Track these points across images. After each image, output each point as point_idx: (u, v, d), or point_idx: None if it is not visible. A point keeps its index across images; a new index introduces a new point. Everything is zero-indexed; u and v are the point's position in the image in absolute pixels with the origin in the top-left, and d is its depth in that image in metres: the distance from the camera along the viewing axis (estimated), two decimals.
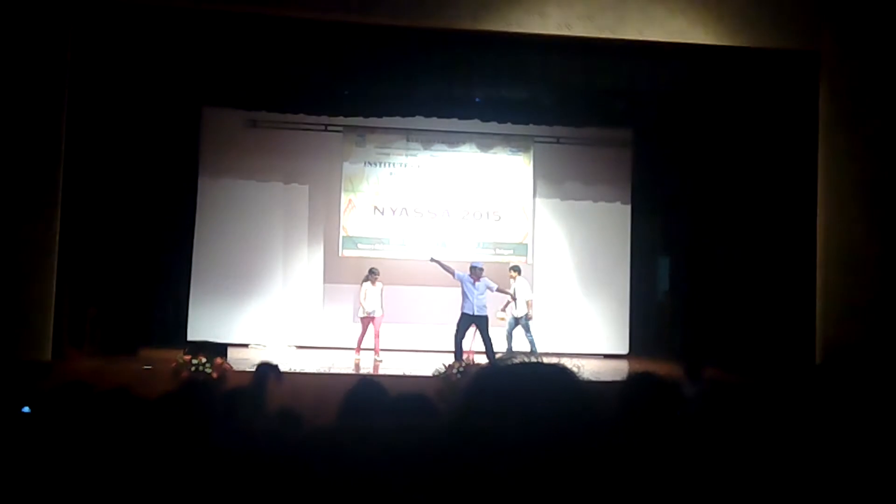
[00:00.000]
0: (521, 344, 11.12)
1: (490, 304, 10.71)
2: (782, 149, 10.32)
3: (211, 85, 11.37)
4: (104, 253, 10.59)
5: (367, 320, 11.03)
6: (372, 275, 11.11)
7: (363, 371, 10.33)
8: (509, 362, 1.27)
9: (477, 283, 10.55)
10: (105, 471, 1.78)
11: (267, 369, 5.17)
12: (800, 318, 9.91)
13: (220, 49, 9.69)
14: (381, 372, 10.08)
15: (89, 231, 10.17)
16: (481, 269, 10.67)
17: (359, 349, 10.95)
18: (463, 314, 10.51)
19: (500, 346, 10.73)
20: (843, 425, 1.65)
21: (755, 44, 9.67)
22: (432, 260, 11.11)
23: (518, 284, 11.25)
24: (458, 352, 10.23)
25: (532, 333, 11.19)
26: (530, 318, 11.18)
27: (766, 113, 10.37)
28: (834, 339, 9.54)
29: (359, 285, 11.34)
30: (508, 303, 11.30)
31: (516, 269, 11.44)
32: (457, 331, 10.45)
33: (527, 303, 11.17)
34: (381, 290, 11.13)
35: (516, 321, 11.21)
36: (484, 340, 10.43)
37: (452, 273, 10.72)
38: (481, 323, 10.47)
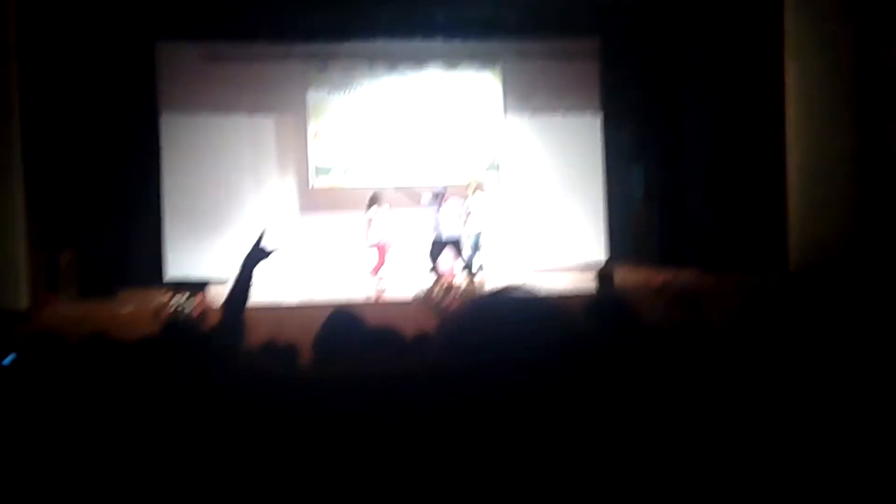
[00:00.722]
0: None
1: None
2: (750, 49, 10.27)
3: (164, 17, 11.02)
4: (73, 196, 10.44)
5: (380, 248, 10.76)
6: (375, 201, 10.80)
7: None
8: (491, 299, 1.27)
9: (441, 208, 10.41)
10: (84, 423, 1.76)
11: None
12: (772, 217, 10.06)
13: None
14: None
15: (55, 175, 10.00)
16: (443, 194, 10.50)
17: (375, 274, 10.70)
18: (433, 241, 10.44)
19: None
20: (818, 340, 1.65)
21: None
22: (397, 190, 10.99)
23: (472, 201, 10.75)
24: (436, 275, 10.26)
25: (479, 252, 10.71)
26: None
27: (733, 16, 10.27)
28: (806, 237, 9.72)
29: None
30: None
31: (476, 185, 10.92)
32: (430, 256, 10.43)
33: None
34: (387, 216, 10.80)
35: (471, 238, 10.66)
36: (464, 261, 10.44)
37: (418, 201, 10.61)
38: (455, 246, 10.43)
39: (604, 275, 7.88)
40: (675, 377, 1.72)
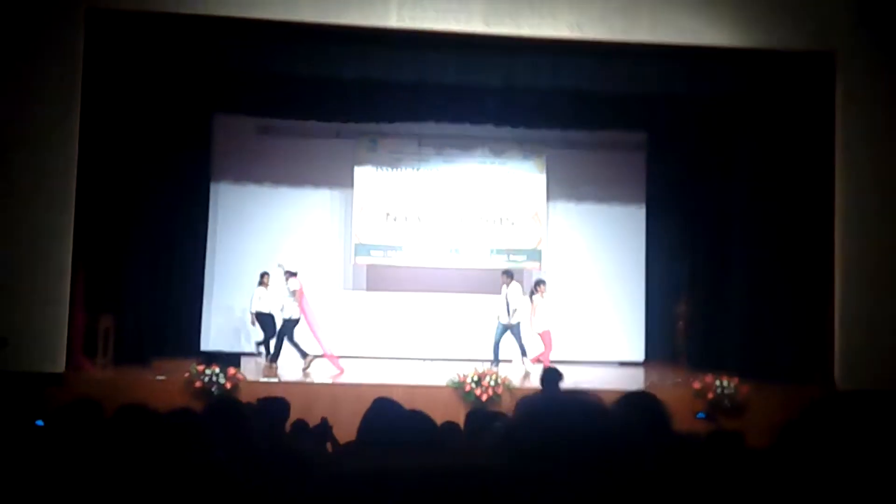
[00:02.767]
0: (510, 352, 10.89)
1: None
2: (799, 151, 10.20)
3: (222, 92, 11.36)
4: (117, 263, 10.56)
5: (544, 335, 10.86)
6: (540, 287, 11.06)
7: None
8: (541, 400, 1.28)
9: (509, 290, 10.92)
10: (118, 486, 1.73)
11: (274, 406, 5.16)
12: (817, 326, 9.79)
13: (230, 56, 9.64)
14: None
15: (102, 241, 10.16)
16: (512, 275, 11.13)
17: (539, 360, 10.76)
18: (501, 325, 10.92)
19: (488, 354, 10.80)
20: (863, 464, 1.54)
21: (769, 45, 9.58)
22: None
23: (510, 290, 11.01)
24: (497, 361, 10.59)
25: (523, 339, 10.92)
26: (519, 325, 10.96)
27: (782, 114, 10.25)
28: (852, 349, 9.43)
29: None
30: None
31: (508, 273, 11.22)
32: (495, 341, 10.92)
33: (514, 311, 10.92)
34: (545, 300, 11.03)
35: (504, 328, 10.95)
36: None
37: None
38: (514, 333, 10.91)
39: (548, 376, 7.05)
40: (708, 486, 1.64)
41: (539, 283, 11.15)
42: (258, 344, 11.40)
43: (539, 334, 10.94)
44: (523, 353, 10.90)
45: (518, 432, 1.23)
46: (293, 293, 10.60)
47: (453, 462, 1.11)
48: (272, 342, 10.91)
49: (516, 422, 1.26)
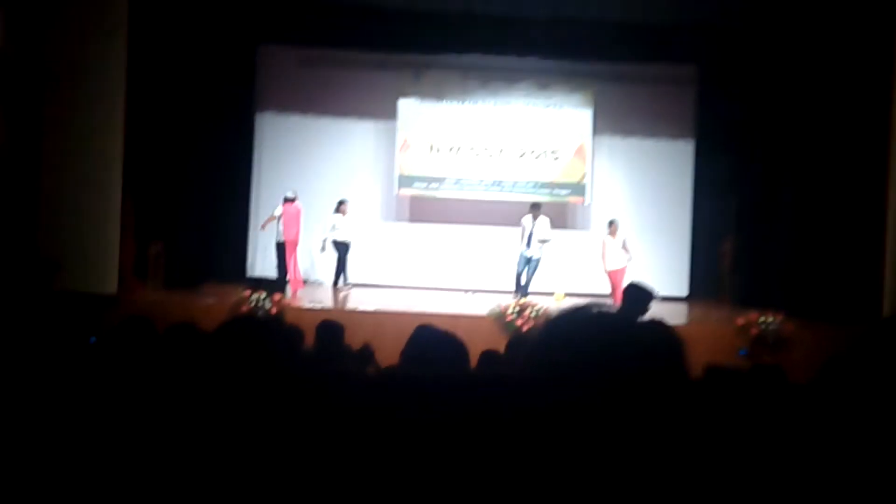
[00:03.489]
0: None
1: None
2: (854, 86, 9.87)
3: (266, 23, 11.33)
4: (166, 190, 10.79)
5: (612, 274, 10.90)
6: (612, 226, 11.01)
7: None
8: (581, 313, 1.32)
9: (536, 223, 10.91)
10: (170, 404, 1.80)
11: (331, 330, 5.24)
12: (867, 263, 9.62)
13: None
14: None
15: (151, 169, 10.35)
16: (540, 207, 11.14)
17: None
18: (523, 255, 10.95)
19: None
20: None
21: None
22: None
23: (537, 223, 10.94)
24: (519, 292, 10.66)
25: (534, 275, 10.92)
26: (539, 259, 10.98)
27: (837, 48, 9.90)
28: None
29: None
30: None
31: (536, 206, 11.13)
32: (518, 271, 10.99)
33: (540, 244, 10.91)
34: (623, 243, 10.96)
35: (527, 260, 10.95)
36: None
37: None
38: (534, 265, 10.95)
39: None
40: (746, 421, 1.63)
41: (612, 223, 11.02)
42: (339, 271, 11.52)
43: (608, 272, 10.91)
44: (524, 286, 10.85)
45: (539, 349, 1.28)
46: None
47: (484, 375, 1.17)
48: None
49: (539, 339, 1.31)
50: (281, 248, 11.08)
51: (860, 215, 9.83)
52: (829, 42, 9.91)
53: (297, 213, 11.19)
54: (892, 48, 9.40)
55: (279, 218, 11.13)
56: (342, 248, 11.46)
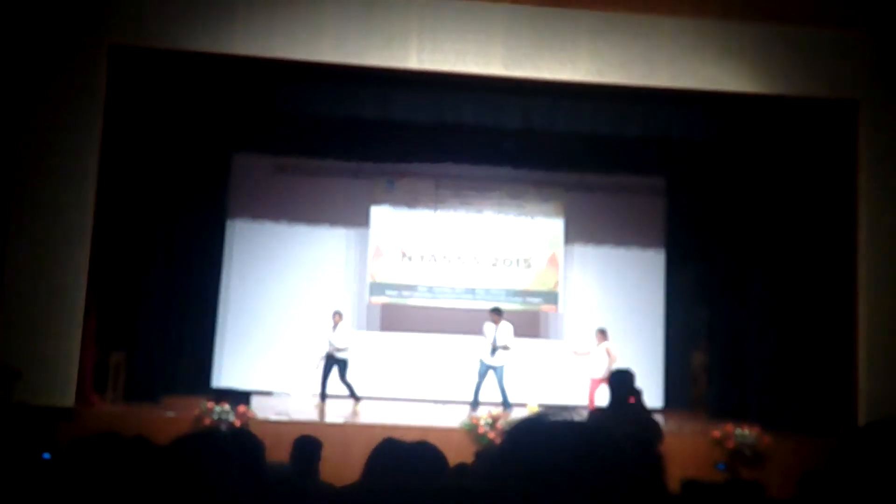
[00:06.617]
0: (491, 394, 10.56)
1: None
2: (820, 200, 10.08)
3: (241, 131, 11.42)
4: (131, 299, 10.55)
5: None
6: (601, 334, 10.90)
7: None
8: (543, 419, 1.27)
9: (498, 329, 10.68)
10: None
11: (309, 445, 4.97)
12: (841, 373, 9.57)
13: (251, 95, 9.70)
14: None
15: (117, 277, 10.15)
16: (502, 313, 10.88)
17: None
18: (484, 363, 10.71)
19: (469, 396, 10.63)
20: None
21: (791, 92, 9.52)
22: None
23: (499, 329, 10.66)
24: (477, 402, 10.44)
25: (504, 383, 10.56)
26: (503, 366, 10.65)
27: (803, 162, 10.15)
28: (877, 396, 9.20)
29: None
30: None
31: (497, 311, 10.83)
32: (478, 378, 10.70)
33: (501, 351, 10.61)
34: (608, 350, 10.80)
35: (487, 368, 10.59)
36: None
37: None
38: (497, 374, 10.62)
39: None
40: None
41: (600, 331, 10.84)
42: (347, 386, 10.92)
43: (591, 380, 10.72)
44: (504, 399, 10.45)
45: (504, 454, 1.24)
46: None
47: (448, 488, 1.06)
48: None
49: (502, 450, 1.25)
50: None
51: (832, 324, 9.85)
52: (792, 151, 10.17)
53: None
54: (854, 156, 9.64)
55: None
56: (342, 363, 10.93)
